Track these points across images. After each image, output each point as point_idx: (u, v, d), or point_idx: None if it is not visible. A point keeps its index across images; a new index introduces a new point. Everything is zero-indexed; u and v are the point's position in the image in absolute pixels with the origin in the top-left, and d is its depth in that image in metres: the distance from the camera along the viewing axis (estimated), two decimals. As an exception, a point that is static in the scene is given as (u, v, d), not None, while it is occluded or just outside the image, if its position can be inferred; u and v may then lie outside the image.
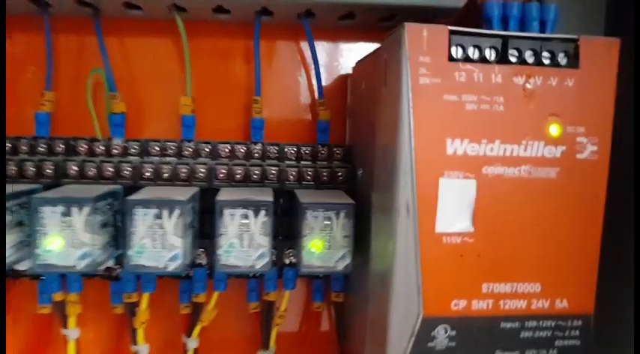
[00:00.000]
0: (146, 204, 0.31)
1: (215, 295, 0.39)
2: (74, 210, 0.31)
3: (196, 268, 0.38)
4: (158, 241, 0.32)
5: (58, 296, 0.38)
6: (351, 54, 0.41)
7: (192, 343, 0.39)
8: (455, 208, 0.25)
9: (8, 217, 0.32)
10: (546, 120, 0.26)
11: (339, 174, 0.39)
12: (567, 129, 0.26)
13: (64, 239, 0.31)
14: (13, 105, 0.38)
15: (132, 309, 0.38)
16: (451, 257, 0.25)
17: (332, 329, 0.43)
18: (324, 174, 0.38)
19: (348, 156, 0.40)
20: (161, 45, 0.40)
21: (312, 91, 0.42)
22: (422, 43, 0.25)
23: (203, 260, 0.38)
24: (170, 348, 0.41)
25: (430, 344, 0.26)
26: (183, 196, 0.32)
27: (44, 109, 0.38)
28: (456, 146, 0.25)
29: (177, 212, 0.32)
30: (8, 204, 0.32)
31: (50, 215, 0.31)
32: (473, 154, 0.25)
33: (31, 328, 0.40)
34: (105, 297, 0.39)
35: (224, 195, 0.34)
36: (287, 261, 0.38)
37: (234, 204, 0.32)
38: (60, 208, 0.31)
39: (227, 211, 0.32)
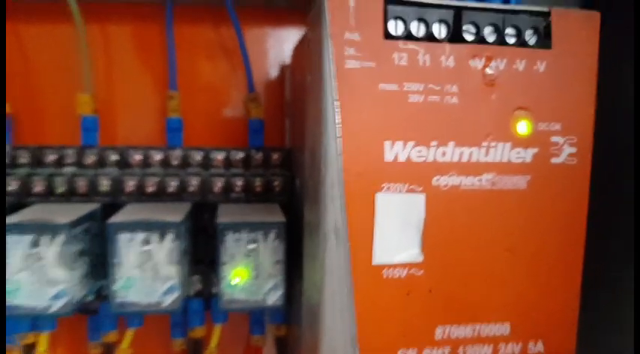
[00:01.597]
0: (15, 232, 0.24)
1: (129, 333, 0.32)
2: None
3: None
4: (35, 274, 0.25)
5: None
6: (285, 41, 0.35)
7: (102, 391, 0.32)
8: (398, 232, 0.19)
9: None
10: (512, 115, 0.20)
11: (276, 183, 0.32)
12: (539, 126, 0.20)
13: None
14: None
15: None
16: (395, 295, 0.19)
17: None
18: (257, 184, 0.32)
19: (288, 162, 0.34)
20: (55, 31, 0.33)
21: (241, 85, 0.35)
22: (348, 16, 0.19)
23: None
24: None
25: (370, 409, 0.20)
26: (70, 217, 0.26)
27: None
28: (397, 150, 0.19)
29: (61, 239, 0.25)
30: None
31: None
32: (420, 160, 0.19)
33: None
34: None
35: (121, 215, 0.27)
36: (214, 290, 0.32)
37: (132, 227, 0.26)
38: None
39: (123, 236, 0.25)
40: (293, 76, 0.33)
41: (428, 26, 0.20)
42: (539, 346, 0.21)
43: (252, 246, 0.27)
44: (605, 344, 0.27)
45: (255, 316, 0.35)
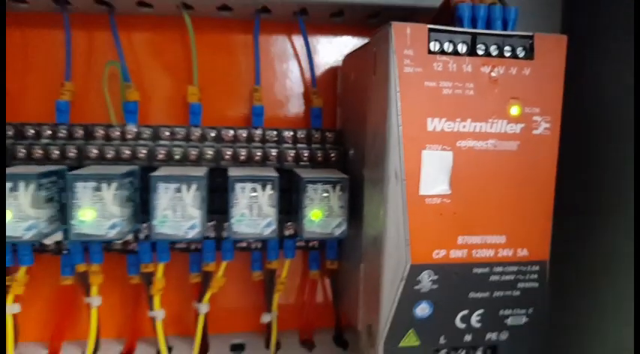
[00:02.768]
0: (168, 180, 0.36)
1: (223, 264, 0.43)
2: (104, 185, 0.35)
3: (206, 240, 0.43)
4: (179, 211, 0.36)
5: (81, 267, 0.42)
6: (340, 48, 0.46)
7: (203, 307, 0.44)
8: (435, 175, 0.31)
9: (41, 194, 0.35)
10: (508, 102, 0.31)
11: (332, 155, 0.44)
12: (525, 110, 0.32)
13: (95, 211, 0.35)
14: (36, 95, 0.42)
15: (148, 278, 0.43)
16: (432, 215, 0.31)
17: (327, 294, 0.48)
18: (319, 155, 0.43)
19: (339, 139, 0.45)
20: (170, 39, 0.44)
21: (306, 81, 0.46)
22: (406, 39, 0.30)
23: (212, 233, 0.42)
24: (183, 313, 0.46)
25: (416, 287, 0.31)
26: (200, 173, 0.37)
27: (64, 98, 0.42)
28: (435, 124, 0.31)
29: (194, 186, 0.36)
30: (42, 182, 0.35)
31: (83, 190, 0.35)
32: (449, 130, 0.31)
33: (54, 299, 0.44)
34: (122, 269, 0.43)
35: (235, 172, 0.38)
36: (287, 233, 0.43)
37: (244, 179, 0.37)
38: (92, 184, 0.35)
39: (238, 186, 0.37)
40: (345, 76, 0.45)
41: (455, 45, 0.31)
42: (525, 252, 0.32)
43: (325, 194, 0.38)
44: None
45: (313, 255, 0.46)
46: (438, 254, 0.31)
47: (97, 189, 0.35)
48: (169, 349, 0.44)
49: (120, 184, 0.35)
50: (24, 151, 0.40)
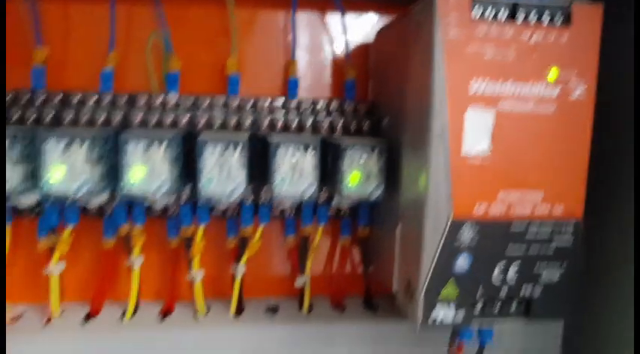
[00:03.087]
0: (215, 141, 0.37)
1: (260, 228, 0.45)
2: (155, 145, 0.37)
3: (245, 205, 0.44)
4: (224, 172, 0.38)
5: (124, 229, 0.43)
6: (370, 24, 0.48)
7: (240, 270, 0.45)
8: (477, 134, 0.32)
9: (93, 153, 0.37)
10: (546, 67, 0.33)
11: (366, 123, 0.45)
12: (562, 74, 0.33)
13: (145, 170, 0.37)
14: (81, 65, 0.44)
15: (188, 241, 0.44)
16: (473, 172, 0.32)
17: (357, 262, 0.50)
18: (352, 124, 0.45)
19: (372, 109, 0.46)
20: (210, 12, 0.45)
21: (339, 55, 0.48)
22: (449, 6, 0.31)
23: (250, 198, 0.44)
24: (219, 277, 0.47)
25: (456, 241, 0.33)
26: (243, 137, 0.39)
27: (108, 68, 0.43)
28: (477, 87, 0.32)
29: (239, 148, 0.38)
30: (94, 141, 0.37)
31: (134, 150, 0.37)
32: (490, 93, 0.32)
33: (95, 261, 0.46)
34: (161, 233, 0.45)
35: (277, 137, 0.40)
36: (321, 200, 0.45)
37: (287, 142, 0.38)
38: (143, 143, 0.36)
39: (281, 149, 0.38)
40: (379, 49, 0.46)
41: (497, 12, 0.33)
42: (561, 209, 0.34)
43: (362, 159, 0.40)
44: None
45: (345, 222, 0.48)
46: (479, 210, 0.33)
47: (148, 149, 0.37)
48: (207, 310, 0.46)
49: (169, 145, 0.37)
50: (71, 116, 0.41)
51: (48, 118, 0.41)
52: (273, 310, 0.47)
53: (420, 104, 0.34)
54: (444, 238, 0.33)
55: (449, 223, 0.32)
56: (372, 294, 0.49)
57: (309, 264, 0.47)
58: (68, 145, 0.36)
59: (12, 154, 0.36)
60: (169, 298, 0.46)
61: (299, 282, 0.47)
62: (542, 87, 0.33)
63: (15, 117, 0.41)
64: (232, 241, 0.46)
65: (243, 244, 0.45)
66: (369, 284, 0.49)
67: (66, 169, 0.36)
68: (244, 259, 0.45)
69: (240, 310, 0.46)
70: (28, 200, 0.41)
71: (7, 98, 0.41)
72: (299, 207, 0.46)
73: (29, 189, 0.37)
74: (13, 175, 0.36)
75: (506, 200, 0.33)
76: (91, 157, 0.36)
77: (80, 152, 0.36)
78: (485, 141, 0.32)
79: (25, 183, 0.37)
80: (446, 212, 0.32)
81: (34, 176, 0.37)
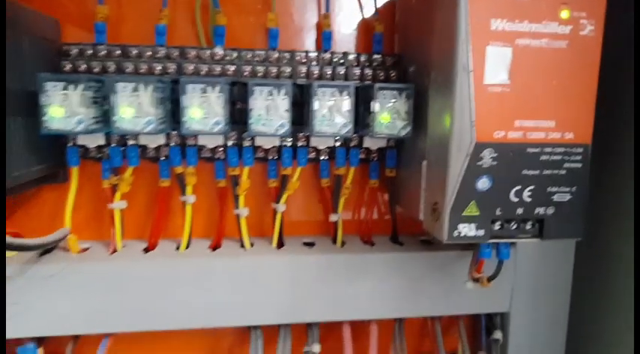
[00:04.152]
0: (263, 84, 0.42)
1: (298, 169, 0.50)
2: (209, 88, 0.42)
3: (285, 148, 0.49)
4: (272, 112, 0.43)
5: (178, 169, 0.49)
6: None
7: (281, 207, 0.51)
8: (497, 67, 0.36)
9: (157, 95, 0.42)
10: (559, 7, 0.37)
11: (393, 74, 0.50)
12: (574, 14, 0.37)
13: (202, 110, 0.42)
14: (136, 21, 0.49)
15: (235, 180, 0.50)
16: (494, 101, 0.37)
17: (385, 200, 0.55)
18: (382, 74, 0.50)
19: (398, 61, 0.51)
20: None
21: (368, 11, 0.52)
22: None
23: (289, 142, 0.49)
24: (263, 212, 0.53)
25: (479, 163, 0.37)
26: (287, 82, 0.43)
27: (162, 23, 0.48)
28: (497, 24, 0.36)
29: (283, 91, 0.43)
30: (158, 85, 0.42)
31: (192, 93, 0.41)
32: (509, 29, 0.36)
33: (151, 202, 0.51)
34: (210, 175, 0.50)
35: (317, 82, 0.44)
36: (352, 143, 0.50)
37: (326, 86, 0.43)
38: (200, 86, 0.41)
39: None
40: (404, 5, 0.50)
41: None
42: (571, 135, 0.38)
43: (393, 100, 0.44)
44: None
45: (373, 165, 0.53)
46: (498, 135, 0.37)
47: (204, 92, 0.41)
48: (251, 244, 0.51)
49: (222, 89, 0.42)
50: (131, 66, 0.47)
51: (111, 68, 0.46)
52: (309, 244, 0.53)
53: (446, 44, 0.38)
54: (467, 161, 0.37)
55: (472, 147, 0.37)
56: (398, 232, 0.54)
57: (341, 202, 0.52)
58: (135, 89, 0.41)
59: (84, 99, 0.41)
60: (218, 234, 0.52)
61: (333, 217, 0.52)
62: (555, 25, 0.37)
63: (82, 68, 0.46)
64: (273, 182, 0.51)
65: (284, 182, 0.50)
66: (395, 223, 0.54)
67: (134, 110, 0.41)
68: (284, 198, 0.50)
69: (280, 245, 0.52)
70: (95, 141, 0.46)
71: (74, 51, 0.46)
72: (332, 151, 0.51)
73: (98, 129, 0.43)
74: (85, 118, 0.41)
75: (522, 127, 0.37)
76: (154, 100, 0.42)
77: (145, 95, 0.41)
78: (505, 73, 0.37)
79: (94, 125, 0.42)
80: (470, 136, 0.37)
81: (102, 119, 0.42)
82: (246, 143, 0.49)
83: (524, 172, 0.38)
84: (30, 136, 0.42)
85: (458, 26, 0.36)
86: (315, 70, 0.49)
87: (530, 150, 0.38)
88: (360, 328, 0.53)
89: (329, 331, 0.53)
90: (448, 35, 0.37)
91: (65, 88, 0.40)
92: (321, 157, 0.52)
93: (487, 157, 0.37)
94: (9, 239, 0.36)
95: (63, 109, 0.40)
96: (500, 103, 0.37)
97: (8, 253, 0.45)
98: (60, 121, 0.40)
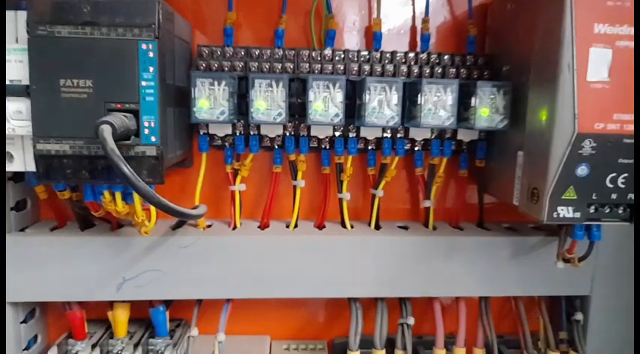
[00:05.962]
0: (379, 81, 0.48)
1: (396, 158, 0.55)
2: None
3: (385, 139, 0.55)
4: (384, 106, 0.48)
5: (292, 156, 0.55)
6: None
7: (379, 192, 0.56)
8: (599, 66, 0.41)
9: (278, 95, 0.48)
10: (657, 13, 0.41)
11: (486, 73, 0.55)
12: (670, 19, 0.41)
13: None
14: (259, 24, 0.56)
15: (340, 167, 0.56)
16: (595, 96, 0.41)
17: (473, 189, 0.60)
18: (475, 72, 0.55)
19: (490, 60, 0.56)
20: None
21: (463, 14, 0.57)
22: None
23: (388, 134, 0.55)
24: (363, 196, 0.59)
25: (579, 151, 0.42)
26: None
27: (281, 27, 0.54)
28: (599, 28, 0.41)
29: (394, 87, 0.48)
30: (281, 86, 0.48)
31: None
32: (610, 32, 0.41)
33: (262, 183, 0.58)
34: (317, 162, 0.57)
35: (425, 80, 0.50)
36: (447, 135, 0.55)
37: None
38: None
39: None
40: (498, 9, 0.55)
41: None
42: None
43: (492, 96, 0.49)
44: None
45: (463, 157, 0.58)
46: (598, 126, 0.42)
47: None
48: (351, 226, 0.57)
49: (340, 87, 0.48)
50: (255, 64, 0.53)
51: (238, 67, 0.53)
52: (403, 228, 0.58)
53: (550, 45, 0.43)
54: (569, 150, 0.42)
55: (574, 137, 0.42)
56: (483, 220, 0.59)
57: (434, 190, 0.57)
58: (269, 85, 0.48)
59: (225, 93, 0.47)
60: (322, 215, 0.58)
61: (426, 203, 0.57)
62: (653, 29, 0.41)
63: (214, 67, 0.53)
64: (372, 170, 0.57)
65: (382, 170, 0.56)
66: (482, 210, 0.59)
67: (266, 103, 0.48)
68: (382, 184, 0.56)
69: (377, 228, 0.57)
70: (223, 131, 0.53)
71: (206, 52, 0.53)
72: (427, 142, 0.56)
73: (234, 120, 0.49)
74: (227, 110, 0.48)
75: (620, 120, 0.42)
76: (284, 95, 0.48)
77: (277, 90, 0.48)
78: (605, 72, 0.41)
79: (231, 116, 0.49)
80: (572, 127, 0.41)
81: (234, 111, 0.49)
82: (352, 135, 0.55)
83: (620, 160, 0.43)
84: (177, 125, 0.49)
85: (564, 30, 0.41)
86: (415, 69, 0.54)
87: (627, 140, 0.42)
88: (445, 305, 0.58)
89: (418, 306, 0.58)
90: (553, 37, 0.42)
91: (212, 84, 0.47)
92: (416, 148, 0.57)
93: (587, 147, 0.42)
94: (175, 207, 0.43)
95: (209, 101, 0.47)
96: (601, 98, 0.41)
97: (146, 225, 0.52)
98: (206, 111, 0.47)
